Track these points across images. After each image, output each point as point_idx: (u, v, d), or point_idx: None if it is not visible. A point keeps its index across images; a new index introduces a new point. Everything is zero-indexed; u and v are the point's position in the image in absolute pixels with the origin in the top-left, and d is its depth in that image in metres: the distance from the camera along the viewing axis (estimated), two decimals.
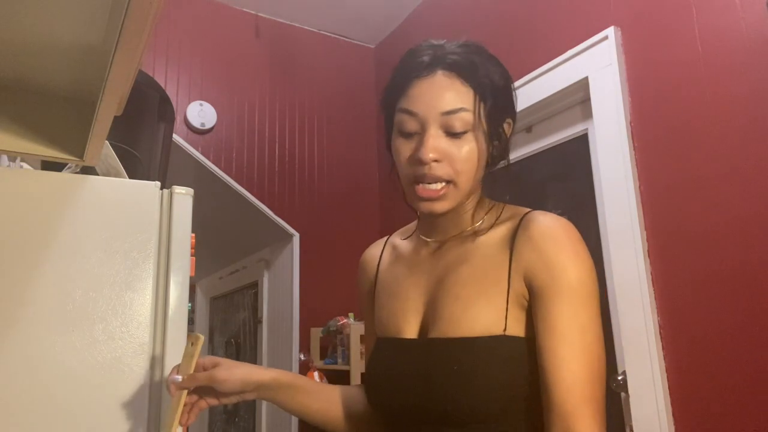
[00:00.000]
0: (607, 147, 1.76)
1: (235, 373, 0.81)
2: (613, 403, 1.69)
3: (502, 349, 0.73)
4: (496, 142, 0.80)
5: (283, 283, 2.87)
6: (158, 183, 1.04)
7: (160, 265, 1.01)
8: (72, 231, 0.94)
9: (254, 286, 3.33)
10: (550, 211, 0.81)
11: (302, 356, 2.69)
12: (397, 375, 0.80)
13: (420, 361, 0.78)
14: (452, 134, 0.76)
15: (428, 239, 0.88)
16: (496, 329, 0.74)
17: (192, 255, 1.03)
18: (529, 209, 0.82)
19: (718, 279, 1.44)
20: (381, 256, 0.97)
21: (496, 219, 0.83)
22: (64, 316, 0.91)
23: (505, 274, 0.76)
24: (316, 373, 2.54)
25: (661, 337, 1.56)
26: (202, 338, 0.81)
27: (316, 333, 2.68)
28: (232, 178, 2.68)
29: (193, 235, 1.05)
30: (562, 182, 2.08)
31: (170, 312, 0.99)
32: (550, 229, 0.76)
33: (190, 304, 1.04)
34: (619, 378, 1.66)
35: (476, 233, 0.83)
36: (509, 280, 0.76)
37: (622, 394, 1.67)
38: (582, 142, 1.98)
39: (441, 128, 0.76)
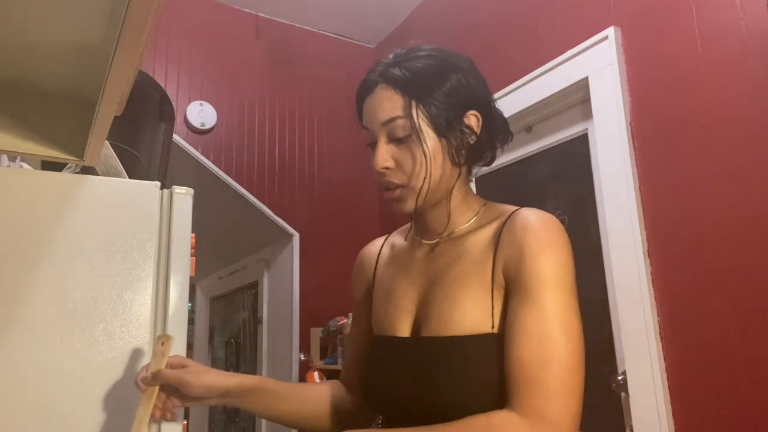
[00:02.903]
0: (607, 147, 1.76)
1: (202, 378, 0.82)
2: (613, 403, 1.70)
3: (490, 347, 0.74)
4: (457, 135, 0.82)
5: (283, 283, 2.87)
6: (158, 183, 1.04)
7: (160, 265, 1.01)
8: (72, 231, 0.94)
9: (254, 286, 3.33)
10: (550, 211, 0.82)
11: (302, 356, 2.70)
12: (391, 372, 0.82)
13: (411, 359, 0.80)
14: (397, 140, 0.81)
15: (422, 240, 0.90)
16: (485, 327, 0.75)
17: (192, 255, 1.04)
18: (517, 207, 0.83)
19: (718, 279, 1.44)
20: (379, 254, 0.99)
21: (487, 218, 0.85)
22: (64, 316, 0.91)
23: (489, 271, 0.78)
24: (316, 373, 2.54)
25: (661, 337, 1.55)
26: (172, 338, 0.83)
27: (316, 333, 2.68)
28: (232, 178, 2.68)
29: (193, 235, 1.05)
30: (562, 182, 2.08)
31: (170, 312, 0.99)
32: (529, 221, 0.77)
33: (190, 304, 1.05)
34: (619, 378, 1.66)
35: (468, 233, 0.85)
36: (493, 277, 0.77)
37: (622, 394, 1.66)
38: (582, 142, 1.98)
39: (387, 137, 0.82)
